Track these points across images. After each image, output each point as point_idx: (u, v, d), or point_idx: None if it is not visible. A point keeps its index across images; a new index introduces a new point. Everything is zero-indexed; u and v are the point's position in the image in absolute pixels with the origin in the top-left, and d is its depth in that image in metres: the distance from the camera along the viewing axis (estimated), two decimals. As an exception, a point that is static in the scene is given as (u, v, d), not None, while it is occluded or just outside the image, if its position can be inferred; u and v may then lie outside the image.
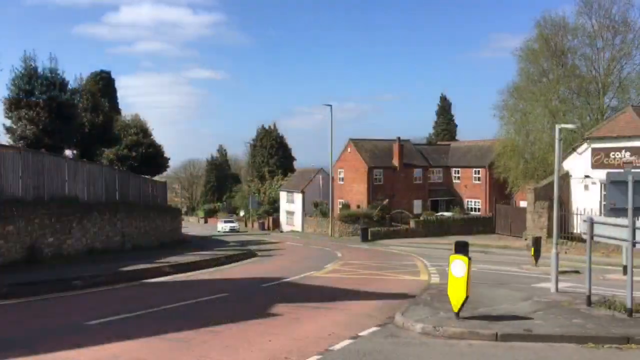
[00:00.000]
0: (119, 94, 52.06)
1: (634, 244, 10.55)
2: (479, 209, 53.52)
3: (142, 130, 36.14)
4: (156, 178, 38.53)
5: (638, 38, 39.55)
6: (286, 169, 78.53)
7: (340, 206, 54.12)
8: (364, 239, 42.05)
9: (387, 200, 50.56)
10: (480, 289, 13.53)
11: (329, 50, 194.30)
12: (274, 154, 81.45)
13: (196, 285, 15.96)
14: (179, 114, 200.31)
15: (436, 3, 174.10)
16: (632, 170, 23.62)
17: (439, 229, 44.63)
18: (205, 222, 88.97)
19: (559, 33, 41.77)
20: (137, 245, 26.50)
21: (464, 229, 44.12)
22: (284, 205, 67.22)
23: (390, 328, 10.03)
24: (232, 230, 61.88)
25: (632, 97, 39.03)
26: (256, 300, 13.42)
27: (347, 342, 8.93)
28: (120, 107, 48.03)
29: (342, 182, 55.97)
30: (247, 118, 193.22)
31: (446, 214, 50.82)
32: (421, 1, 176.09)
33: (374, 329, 9.94)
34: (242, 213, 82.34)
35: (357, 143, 54.46)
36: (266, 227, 68.93)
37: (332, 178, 54.14)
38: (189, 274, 18.50)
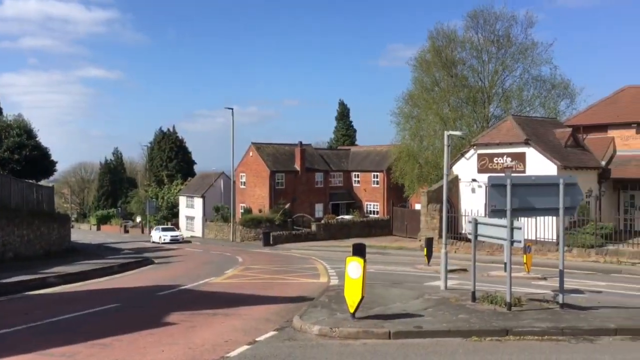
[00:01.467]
0: (0, 92, 47.97)
1: (512, 243, 11.40)
2: (377, 211, 55.30)
3: (26, 132, 33.51)
4: (42, 182, 35.90)
5: (519, 53, 42.96)
6: (186, 173, 76.46)
7: (242, 211, 53.61)
8: (266, 243, 41.95)
9: (289, 204, 50.84)
10: (376, 289, 13.96)
11: (231, 53, 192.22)
12: (173, 157, 78.98)
13: (85, 296, 15.06)
14: (69, 114, 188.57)
15: (336, 11, 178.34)
16: (512, 174, 25.61)
17: (340, 232, 45.58)
18: (98, 229, 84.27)
19: (449, 45, 44.35)
20: (20, 254, 24.54)
21: (364, 232, 45.42)
22: (183, 211, 65.36)
23: (288, 331, 10.06)
24: (174, 240, 49.22)
25: (513, 107, 42.31)
26: (150, 309, 12.91)
27: (244, 347, 8.84)
28: (1, 105, 44.27)
29: (244, 187, 55.48)
30: (144, 120, 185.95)
31: (347, 217, 52.01)
32: (322, 8, 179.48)
33: (272, 333, 9.93)
34: (138, 219, 78.95)
35: (259, 147, 54.28)
36: (165, 233, 66.60)
37: (234, 182, 53.49)
38: (78, 284, 17.42)
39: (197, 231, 59.97)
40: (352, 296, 10.27)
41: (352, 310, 10.35)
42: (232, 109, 49.68)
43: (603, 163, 29.45)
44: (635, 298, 14.53)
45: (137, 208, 79.70)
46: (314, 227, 46.19)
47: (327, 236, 44.99)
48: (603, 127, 30.82)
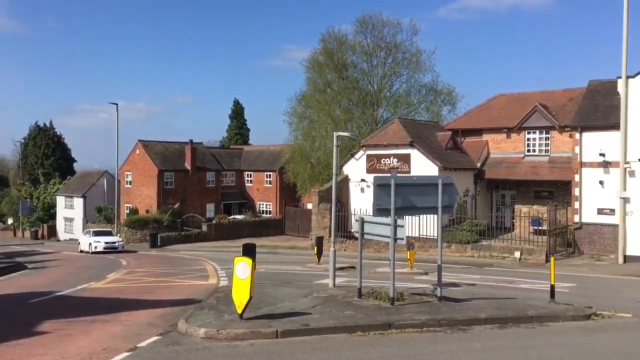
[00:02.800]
0: None
1: (395, 240, 11.90)
2: (270, 211, 55.32)
3: None
4: None
5: (406, 59, 45.11)
6: (65, 172, 71.45)
7: (128, 211, 51.11)
8: (153, 244, 40.32)
9: (178, 204, 49.30)
10: (266, 289, 13.92)
11: (116, 46, 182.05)
12: (50, 154, 73.54)
13: (-58, 307, 13.51)
14: None
15: (229, 9, 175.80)
16: (397, 175, 26.78)
17: (232, 232, 44.98)
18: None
19: (341, 48, 45.51)
20: None
21: (256, 231, 45.20)
22: (61, 212, 60.97)
23: (173, 336, 9.71)
24: (111, 248, 35.63)
25: (401, 111, 44.37)
26: (21, 318, 11.87)
27: (123, 355, 8.39)
28: None
29: (129, 186, 52.92)
30: (17, 114, 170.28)
31: (239, 217, 51.47)
32: (213, 6, 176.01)
33: (155, 338, 9.53)
34: (10, 221, 72.51)
35: (146, 145, 52.05)
36: (40, 235, 61.75)
37: (119, 181, 50.78)
38: None
39: (77, 233, 56.17)
40: (240, 297, 10.14)
41: (239, 311, 10.22)
42: (116, 104, 47.09)
43: (478, 165, 31.73)
44: (504, 289, 15.79)
45: (8, 209, 73.20)
46: (204, 228, 45.16)
47: (219, 237, 44.20)
48: (478, 131, 33.22)
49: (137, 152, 52.10)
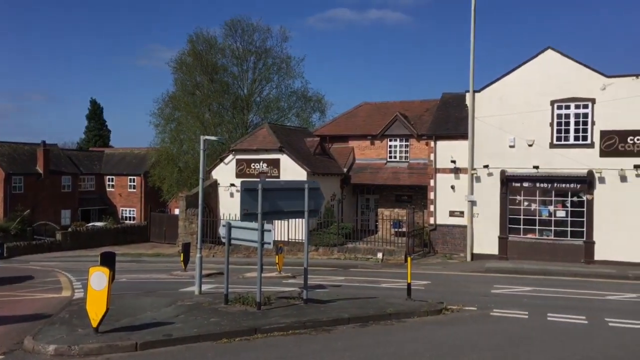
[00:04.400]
0: None
1: (263, 245, 11.92)
2: (134, 217, 52.65)
3: None
4: None
5: (276, 64, 45.62)
6: None
7: (-32, 219, 45.62)
8: (-1, 256, 36.34)
9: (28, 211, 44.97)
10: (126, 300, 13.17)
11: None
12: None
13: None
14: None
15: (86, 4, 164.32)
16: (266, 179, 26.93)
17: (91, 241, 41.99)
18: None
19: (210, 51, 44.81)
20: None
21: (118, 239, 42.66)
22: None
23: (18, 354, 8.82)
24: None
25: (272, 116, 44.71)
26: None
27: (-46, 382, 7.43)
28: None
29: (-30, 191, 47.28)
30: None
31: (98, 224, 48.27)
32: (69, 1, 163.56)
33: (-4, 359, 8.57)
34: None
35: (-9, 145, 46.93)
36: None
37: (-44, 186, 45.16)
38: None
39: None
40: (96, 309, 9.48)
41: (95, 325, 9.55)
42: (-46, 99, 41.97)
43: (345, 170, 32.95)
44: (367, 289, 16.52)
45: None
46: (59, 236, 41.65)
47: (76, 245, 41.01)
48: (345, 138, 34.54)
49: (-21, 153, 46.78)
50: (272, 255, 22.49)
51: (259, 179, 27.16)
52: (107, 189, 54.57)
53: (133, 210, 53.19)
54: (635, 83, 23.07)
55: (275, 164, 30.18)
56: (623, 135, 23.08)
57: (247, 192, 11.71)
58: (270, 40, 45.22)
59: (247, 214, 11.75)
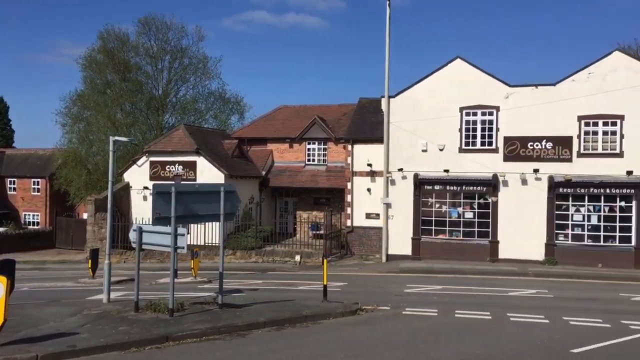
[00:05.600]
0: None
1: (176, 249, 11.59)
2: (38, 222, 49.43)
3: None
4: None
5: (193, 65, 44.52)
6: None
7: None
8: None
9: None
10: (27, 310, 12.35)
11: None
12: None
13: None
14: None
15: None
16: (181, 182, 26.26)
17: (-11, 248, 38.95)
18: None
19: (123, 48, 42.96)
20: None
21: (20, 246, 39.69)
22: None
23: None
24: None
25: (188, 117, 43.62)
26: None
27: None
28: None
29: None
30: None
31: (-2, 229, 44.88)
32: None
33: None
34: None
35: None
36: None
37: None
38: None
39: None
40: (-9, 321, 8.80)
41: (-11, 338, 8.87)
42: None
43: (264, 173, 32.78)
44: (284, 292, 16.53)
45: None
46: (-48, 243, 38.29)
47: (-29, 253, 37.89)
48: (264, 141, 34.37)
49: None
50: (188, 259, 21.95)
51: (174, 182, 26.47)
52: (8, 192, 50.83)
53: (37, 215, 49.94)
54: (535, 93, 24.75)
55: (191, 166, 29.49)
56: (524, 141, 24.67)
57: (160, 195, 11.38)
58: (186, 40, 44.14)
59: (159, 218, 11.42)
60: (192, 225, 26.36)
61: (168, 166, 29.91)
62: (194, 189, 12.41)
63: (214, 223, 20.77)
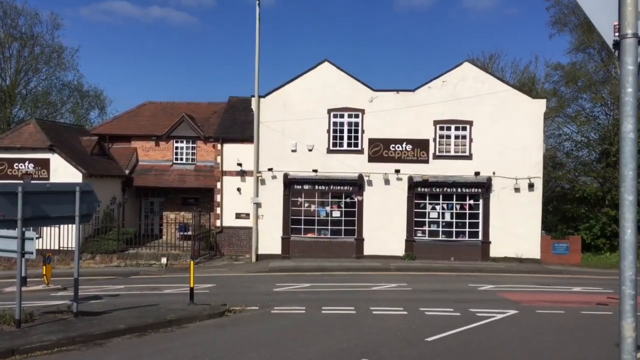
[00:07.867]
0: None
1: (24, 255, 10.56)
2: None
3: None
4: None
5: (46, 54, 40.95)
6: None
7: None
8: None
9: None
10: None
11: None
12: None
13: None
14: None
15: None
16: (30, 182, 24.04)
17: None
18: None
19: (-38, 31, 38.34)
20: None
21: None
22: None
23: None
24: None
25: (42, 111, 40.00)
26: None
27: None
28: None
29: None
30: None
31: None
32: None
33: None
34: None
35: None
36: None
37: None
38: None
39: None
40: None
41: None
42: None
43: (127, 172, 31.05)
44: (148, 297, 15.79)
45: None
46: None
47: None
48: (127, 138, 32.55)
49: None
50: (40, 266, 20.13)
51: (22, 181, 24.24)
52: None
53: None
54: (397, 98, 26.26)
55: (44, 164, 27.05)
56: (387, 143, 26.06)
57: (4, 195, 10.29)
58: (40, 27, 40.64)
59: (3, 221, 10.31)
60: (45, 228, 24.27)
61: (16, 164, 27.16)
62: (45, 189, 11.36)
63: (69, 225, 19.33)
